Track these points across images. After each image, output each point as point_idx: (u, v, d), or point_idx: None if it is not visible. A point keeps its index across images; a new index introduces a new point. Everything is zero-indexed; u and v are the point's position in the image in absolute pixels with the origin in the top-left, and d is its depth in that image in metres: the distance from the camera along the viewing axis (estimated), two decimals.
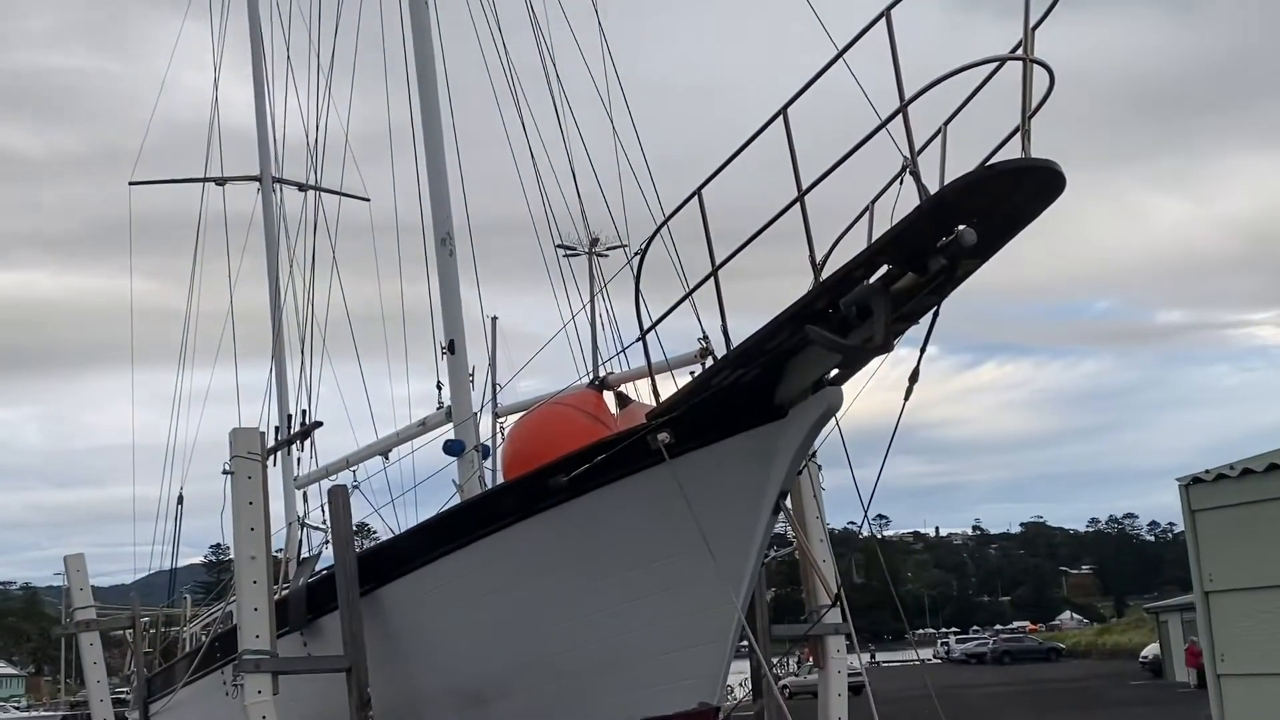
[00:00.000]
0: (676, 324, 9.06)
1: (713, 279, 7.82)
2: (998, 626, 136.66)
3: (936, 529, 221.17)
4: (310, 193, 18.35)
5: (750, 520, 8.20)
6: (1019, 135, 6.45)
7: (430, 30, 14.05)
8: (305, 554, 15.22)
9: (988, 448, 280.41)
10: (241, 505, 10.10)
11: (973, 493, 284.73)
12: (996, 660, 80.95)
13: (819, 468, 11.60)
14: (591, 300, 14.74)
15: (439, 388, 13.48)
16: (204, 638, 15.84)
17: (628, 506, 8.54)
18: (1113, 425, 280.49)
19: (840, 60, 7.19)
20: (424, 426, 13.83)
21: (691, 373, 10.48)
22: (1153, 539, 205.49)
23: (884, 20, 6.68)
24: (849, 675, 11.90)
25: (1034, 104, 6.46)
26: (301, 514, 16.71)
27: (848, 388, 7.94)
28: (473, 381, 13.31)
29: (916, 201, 6.51)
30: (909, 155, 6.60)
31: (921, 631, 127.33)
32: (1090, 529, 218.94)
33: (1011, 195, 6.46)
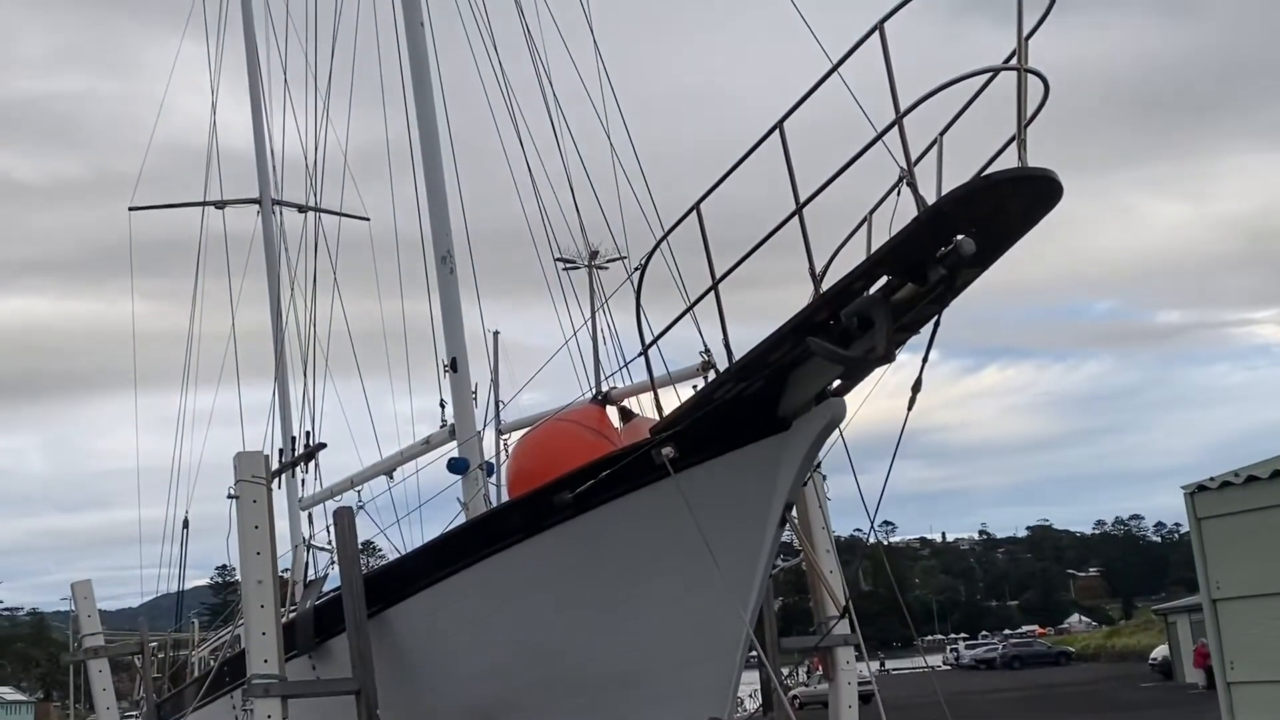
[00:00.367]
0: (678, 334, 9.08)
1: (714, 293, 7.84)
2: (1006, 631, 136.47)
3: (943, 534, 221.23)
4: (310, 214, 18.41)
5: (756, 533, 8.20)
6: (1015, 144, 6.48)
7: (426, 48, 14.09)
8: (312, 576, 15.25)
9: (992, 452, 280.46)
10: (247, 530, 10.10)
11: (978, 497, 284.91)
12: (1006, 665, 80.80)
13: (824, 478, 11.59)
14: (593, 315, 14.76)
15: (442, 406, 13.49)
16: (212, 662, 15.83)
17: (633, 522, 8.54)
18: (1116, 426, 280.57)
19: (835, 73, 7.21)
20: (428, 445, 13.83)
21: (694, 386, 10.50)
22: (1159, 540, 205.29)
23: (878, 32, 6.71)
24: (859, 684, 11.87)
25: (1029, 113, 6.48)
26: (307, 536, 16.74)
27: (850, 398, 7.95)
28: (475, 399, 13.33)
29: (914, 212, 6.54)
30: (905, 166, 6.62)
31: (930, 638, 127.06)
32: (1096, 531, 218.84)
33: (1009, 204, 6.48)
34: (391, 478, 14.39)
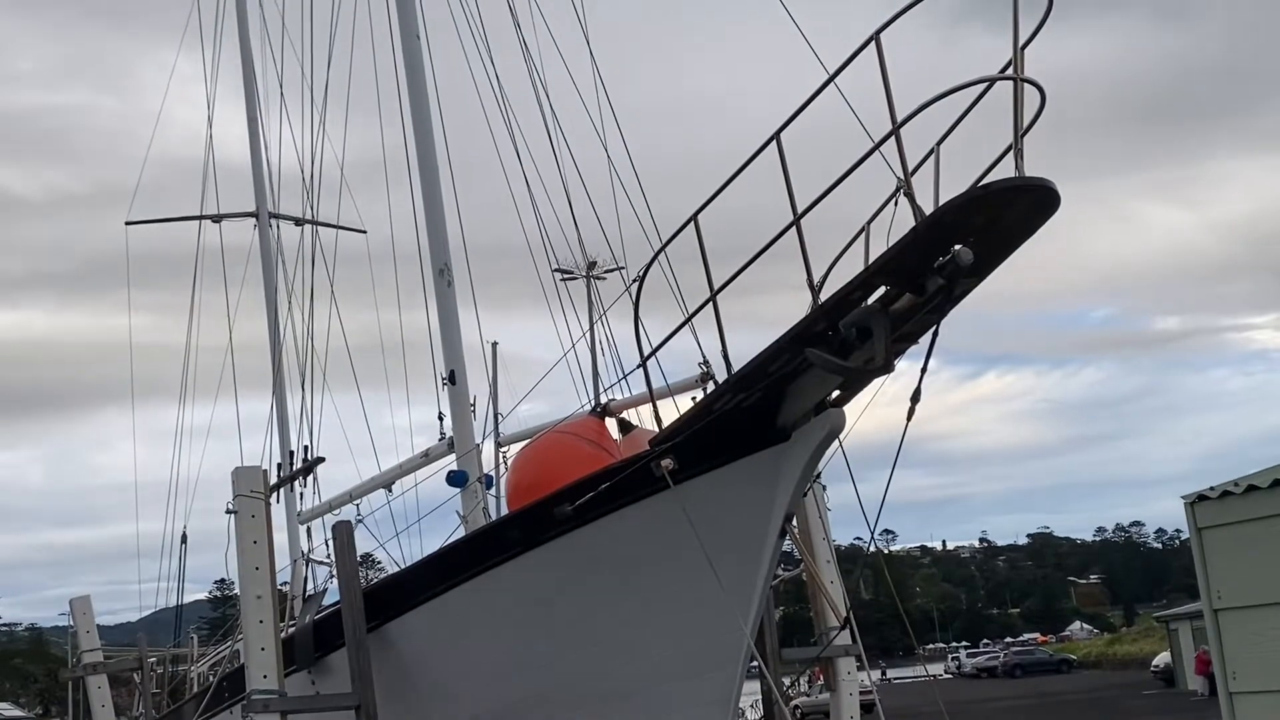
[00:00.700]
0: (677, 345, 9.06)
1: (712, 304, 7.83)
2: (1008, 639, 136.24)
3: (943, 542, 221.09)
4: (307, 227, 18.41)
5: (756, 544, 8.19)
6: (1012, 153, 6.48)
7: (422, 60, 14.11)
8: (311, 590, 15.21)
9: (992, 459, 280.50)
10: (246, 544, 10.08)
11: (978, 505, 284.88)
12: (1008, 673, 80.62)
13: (824, 488, 11.58)
14: (591, 327, 14.76)
15: (440, 418, 13.48)
16: (211, 677, 15.79)
17: (633, 534, 8.53)
18: (1116, 433, 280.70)
19: (832, 83, 7.22)
20: (426, 458, 13.82)
21: (693, 397, 10.48)
22: (1159, 547, 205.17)
23: (874, 42, 6.72)
24: (860, 693, 11.85)
25: (1026, 122, 6.48)
26: (306, 550, 16.71)
27: (849, 408, 7.94)
28: (474, 411, 13.32)
29: (912, 222, 6.53)
30: (903, 176, 6.62)
31: (931, 646, 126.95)
32: (1097, 538, 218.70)
33: (1007, 214, 6.48)
34: (390, 491, 14.38)
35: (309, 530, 16.98)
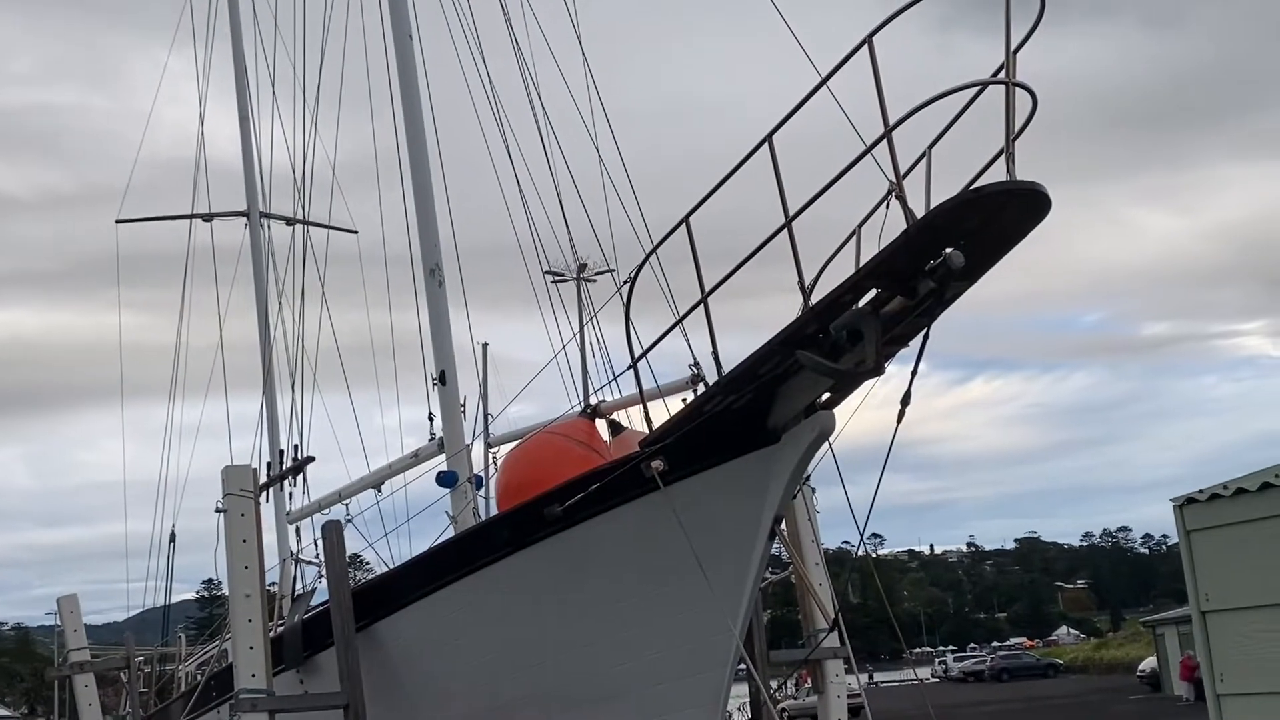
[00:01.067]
0: (667, 347, 9.07)
1: (703, 306, 7.84)
2: (995, 643, 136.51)
3: (931, 546, 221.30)
4: (298, 226, 18.39)
5: (746, 546, 8.20)
6: (1004, 157, 6.50)
7: (415, 61, 14.11)
8: (299, 590, 15.17)
9: (980, 463, 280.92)
10: (235, 543, 10.06)
11: (966, 509, 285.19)
12: (995, 677, 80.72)
13: (813, 490, 11.60)
14: (581, 328, 14.75)
15: (430, 419, 13.48)
16: (199, 677, 15.75)
17: (623, 535, 8.54)
18: (1104, 438, 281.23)
19: (825, 86, 7.24)
20: (416, 458, 13.81)
21: (683, 399, 10.50)
22: (1146, 552, 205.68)
23: (866, 46, 6.74)
24: (848, 697, 11.87)
25: (1017, 126, 6.51)
26: (295, 549, 16.67)
27: (840, 410, 7.95)
28: (464, 412, 13.31)
29: (903, 225, 6.55)
30: (895, 179, 6.64)
31: (919, 650, 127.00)
32: (1084, 543, 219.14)
33: (998, 217, 6.50)
34: (380, 491, 14.37)
35: (298, 530, 16.95)
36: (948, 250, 6.54)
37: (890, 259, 6.61)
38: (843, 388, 7.71)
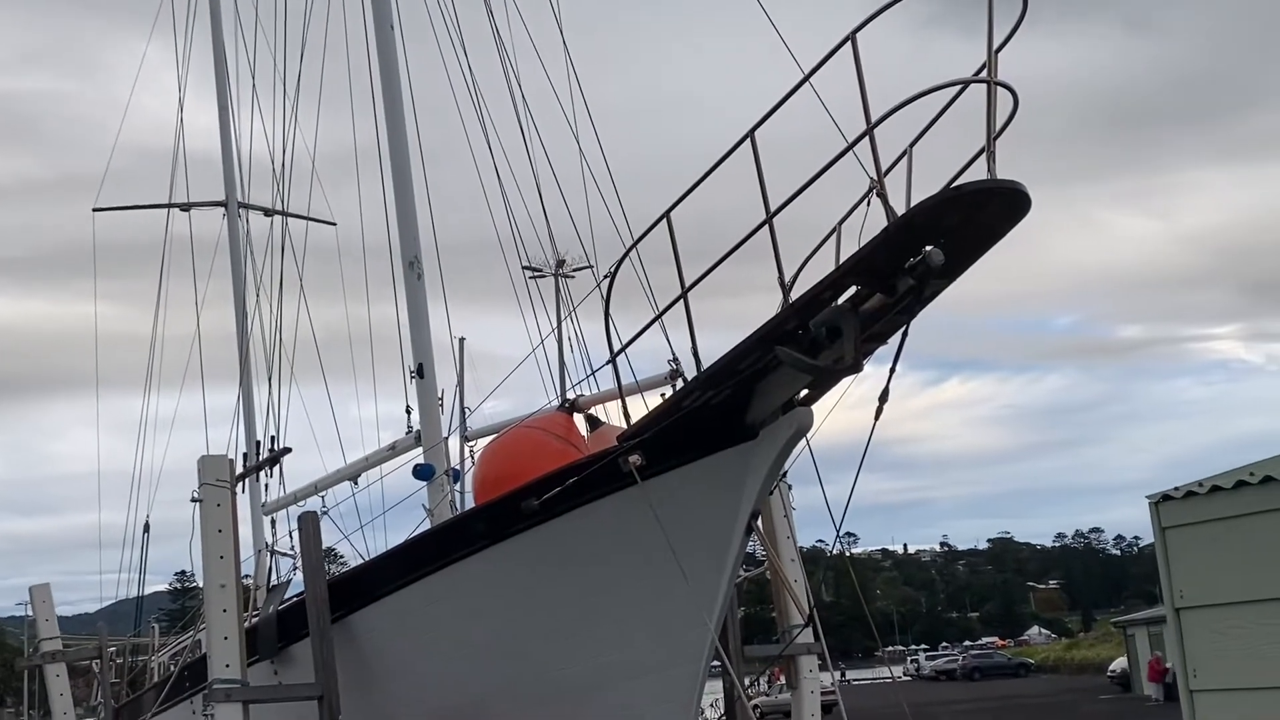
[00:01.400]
0: (646, 343, 9.08)
1: (682, 301, 7.86)
2: (967, 643, 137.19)
3: (905, 546, 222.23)
4: (276, 217, 18.32)
5: (723, 541, 8.22)
6: (984, 156, 6.54)
7: (396, 52, 14.07)
8: (275, 581, 15.13)
9: (954, 464, 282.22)
10: (210, 533, 10.02)
11: (940, 509, 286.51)
12: (966, 676, 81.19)
13: (789, 487, 11.63)
14: (559, 323, 14.77)
15: (408, 412, 13.46)
16: (172, 667, 15.68)
17: (599, 529, 8.54)
18: (1077, 440, 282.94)
19: (807, 83, 7.26)
20: (393, 451, 13.79)
21: (662, 394, 10.51)
22: (1118, 553, 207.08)
23: (849, 43, 6.76)
24: (822, 694, 11.91)
25: (998, 125, 6.54)
26: (270, 540, 16.62)
27: (817, 407, 7.98)
28: (441, 405, 13.30)
29: (884, 223, 6.58)
30: (876, 177, 6.67)
31: (891, 648, 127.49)
32: (1056, 544, 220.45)
33: (978, 216, 6.53)
34: (356, 483, 14.33)
35: (274, 521, 16.89)
36: (927, 248, 6.57)
37: (870, 256, 6.63)
38: (821, 384, 7.74)
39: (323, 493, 14.78)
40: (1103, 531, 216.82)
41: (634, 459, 8.07)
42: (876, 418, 7.63)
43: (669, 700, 8.54)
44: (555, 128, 14.62)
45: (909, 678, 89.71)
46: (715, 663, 8.98)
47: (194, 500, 10.37)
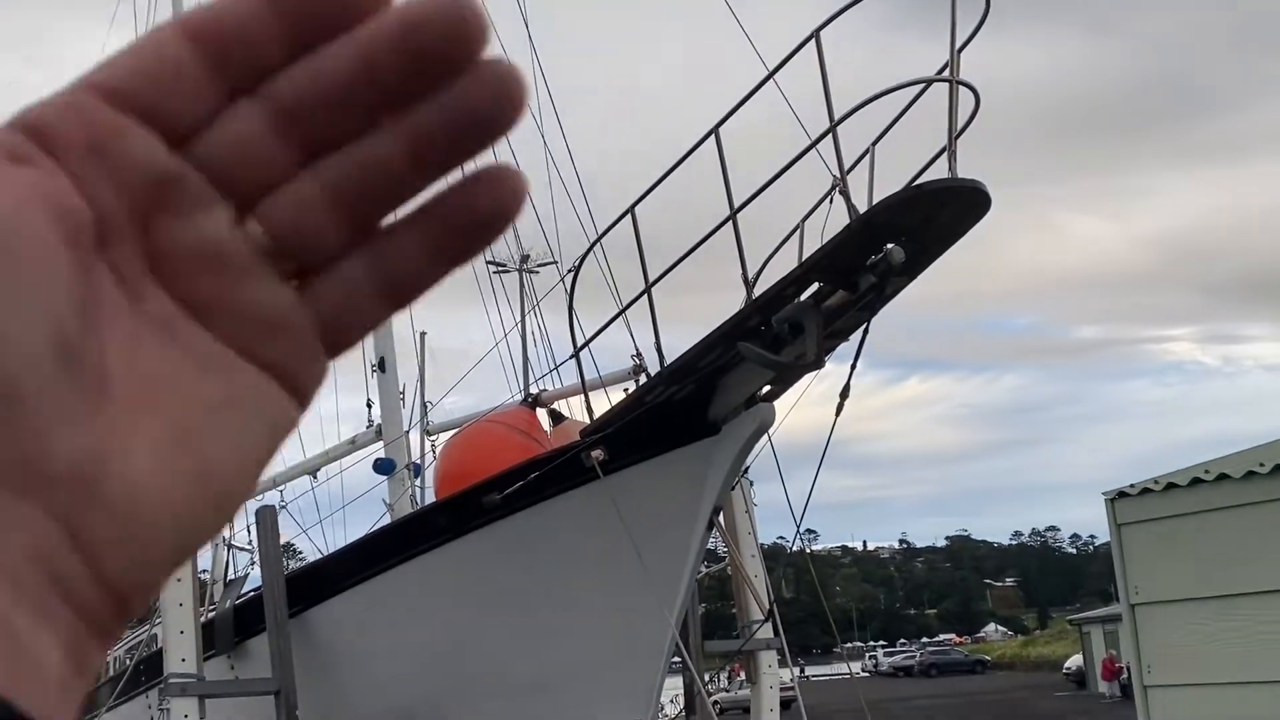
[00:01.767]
0: (610, 338, 9.09)
1: (646, 296, 7.87)
2: (924, 639, 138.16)
3: (864, 543, 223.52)
4: None
5: (684, 536, 8.24)
6: (946, 155, 6.59)
7: None
8: (232, 575, 15.02)
9: (914, 462, 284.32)
10: None
11: (899, 507, 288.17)
12: (924, 673, 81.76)
13: (751, 483, 11.66)
14: (523, 318, 14.73)
15: (369, 405, 13.40)
16: (128, 661, 15.53)
17: (561, 524, 8.54)
18: (1034, 439, 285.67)
19: (772, 80, 7.28)
20: (353, 445, 13.72)
21: (625, 389, 10.52)
22: (1074, 551, 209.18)
23: (813, 41, 6.79)
24: (780, 689, 11.95)
25: (960, 124, 6.59)
26: (227, 534, 16.49)
27: (779, 404, 8.02)
28: (403, 399, 13.24)
29: (846, 220, 6.62)
30: (838, 175, 6.71)
31: (850, 645, 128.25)
32: (1013, 542, 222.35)
33: (939, 214, 6.58)
34: (315, 477, 14.25)
35: None
36: (889, 246, 6.61)
37: (832, 254, 6.67)
38: (783, 381, 7.77)
39: (281, 487, 14.68)
40: (1059, 530, 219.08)
41: (597, 454, 8.07)
42: (837, 414, 7.68)
43: (629, 695, 8.55)
44: (520, 122, 14.57)
45: (867, 674, 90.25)
46: (676, 658, 9.00)
47: None
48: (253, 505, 14.13)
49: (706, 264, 7.76)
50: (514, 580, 8.83)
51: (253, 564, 12.88)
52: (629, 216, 7.86)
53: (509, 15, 15.12)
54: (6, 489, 0.37)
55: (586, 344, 8.61)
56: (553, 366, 12.49)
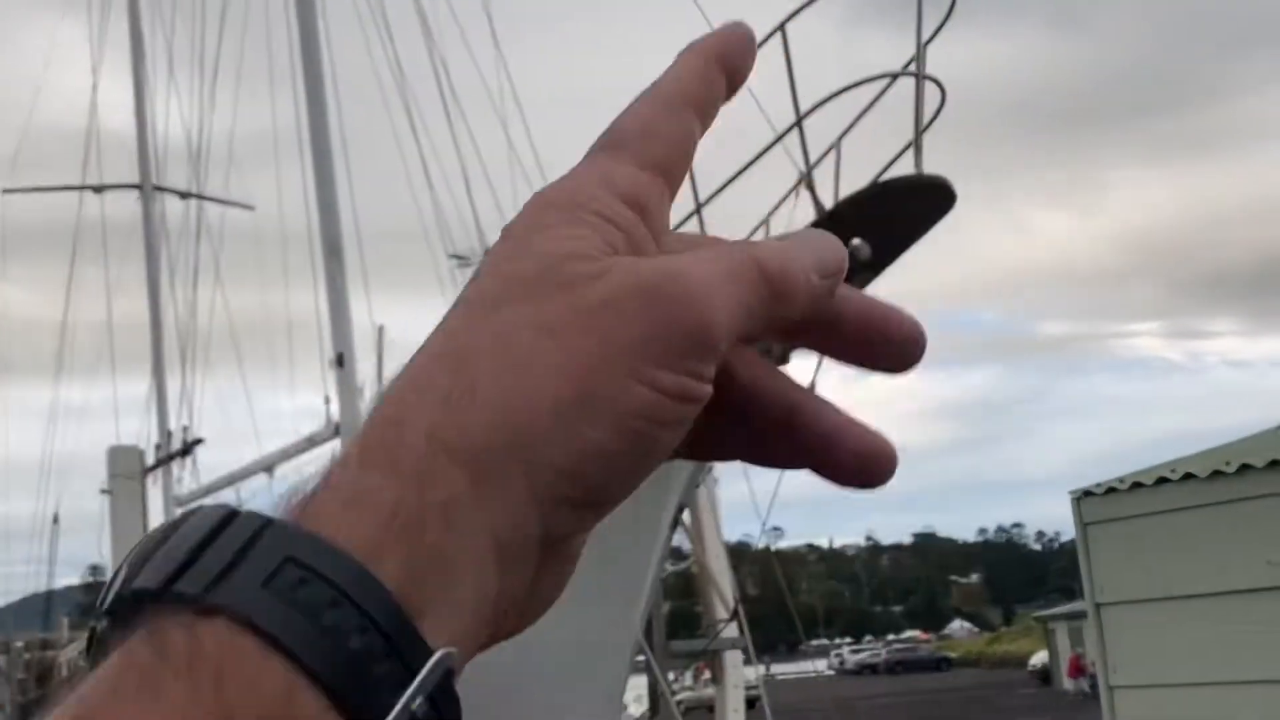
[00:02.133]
0: None
1: None
2: (890, 636, 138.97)
3: (830, 540, 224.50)
4: (192, 201, 17.93)
5: (647, 535, 8.15)
6: (911, 150, 6.53)
7: (318, 35, 13.79)
8: None
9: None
10: (120, 526, 9.75)
11: (866, 504, 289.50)
12: (889, 670, 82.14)
13: (716, 481, 11.60)
14: None
15: (326, 402, 13.23)
16: (82, 663, 15.31)
17: None
18: (999, 435, 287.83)
19: None
20: (311, 442, 13.54)
21: None
22: (1039, 548, 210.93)
23: (779, 34, 6.71)
24: (746, 688, 11.90)
25: (926, 119, 6.53)
26: None
27: None
28: (362, 395, 13.08)
29: (812, 215, 6.55)
30: (804, 169, 6.63)
31: (816, 642, 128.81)
32: (979, 538, 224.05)
33: (904, 209, 6.52)
34: (272, 475, 14.07)
35: None
36: (854, 241, 6.54)
37: None
38: None
39: (238, 485, 14.49)
40: (1024, 527, 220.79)
41: None
42: None
43: (592, 696, 8.46)
44: (482, 115, 14.46)
45: (832, 671, 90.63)
46: (640, 657, 8.91)
47: (104, 492, 10.09)
48: (209, 503, 13.96)
49: None
50: None
51: None
52: None
53: (472, 9, 14.99)
54: None
55: None
56: None
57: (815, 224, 6.50)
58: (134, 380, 22.96)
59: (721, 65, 0.55)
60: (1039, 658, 56.34)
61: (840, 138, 7.03)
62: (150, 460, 12.74)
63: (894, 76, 6.71)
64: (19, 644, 19.05)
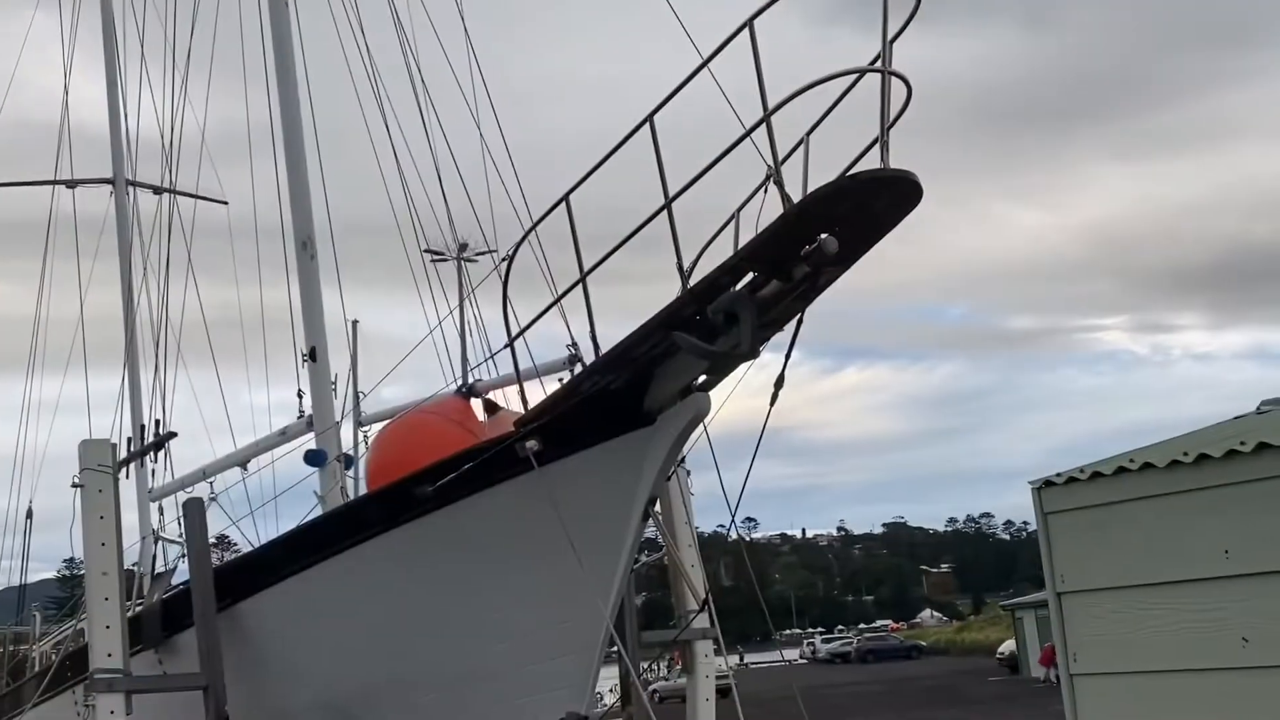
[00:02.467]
0: (546, 328, 9.02)
1: (581, 285, 7.81)
2: (861, 625, 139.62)
3: (803, 530, 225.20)
4: (165, 195, 17.86)
5: (620, 527, 8.21)
6: (878, 146, 6.60)
7: (290, 27, 13.76)
8: (161, 569, 14.79)
9: (851, 450, 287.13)
10: (91, 520, 9.73)
11: (837, 494, 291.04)
12: (861, 659, 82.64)
13: (688, 473, 11.66)
14: (460, 306, 14.62)
15: (300, 396, 13.22)
16: (54, 656, 15.25)
17: (495, 515, 8.47)
18: (969, 427, 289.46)
19: (706, 68, 7.25)
20: (284, 436, 13.55)
21: (560, 379, 10.46)
22: (1008, 538, 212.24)
23: (747, 30, 6.77)
24: (717, 678, 11.97)
25: (892, 115, 6.60)
26: (156, 527, 16.23)
27: (715, 393, 8.01)
28: (335, 390, 13.09)
29: (780, 210, 6.62)
30: (772, 164, 6.70)
31: (788, 632, 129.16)
32: (949, 528, 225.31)
33: (871, 204, 6.60)
34: (246, 469, 14.06)
35: (160, 508, 16.49)
36: (822, 236, 6.63)
37: (766, 244, 6.67)
38: (718, 370, 7.76)
39: (211, 479, 14.46)
40: (993, 517, 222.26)
41: (531, 444, 8.01)
42: (772, 403, 7.68)
43: (564, 686, 8.52)
44: (456, 109, 14.46)
45: (805, 660, 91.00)
46: (613, 648, 8.98)
47: (75, 485, 10.07)
48: (184, 497, 13.93)
49: (643, 254, 7.73)
50: (447, 572, 8.75)
51: (182, 557, 12.66)
52: (564, 205, 7.79)
53: (448, 9, 14.97)
54: None
55: (521, 333, 8.54)
56: (487, 356, 12.40)
57: (783, 218, 6.58)
58: (108, 374, 22.90)
59: None
60: (1007, 646, 56.80)
61: (809, 133, 7.10)
62: (123, 454, 12.69)
63: (860, 73, 6.78)
64: None
